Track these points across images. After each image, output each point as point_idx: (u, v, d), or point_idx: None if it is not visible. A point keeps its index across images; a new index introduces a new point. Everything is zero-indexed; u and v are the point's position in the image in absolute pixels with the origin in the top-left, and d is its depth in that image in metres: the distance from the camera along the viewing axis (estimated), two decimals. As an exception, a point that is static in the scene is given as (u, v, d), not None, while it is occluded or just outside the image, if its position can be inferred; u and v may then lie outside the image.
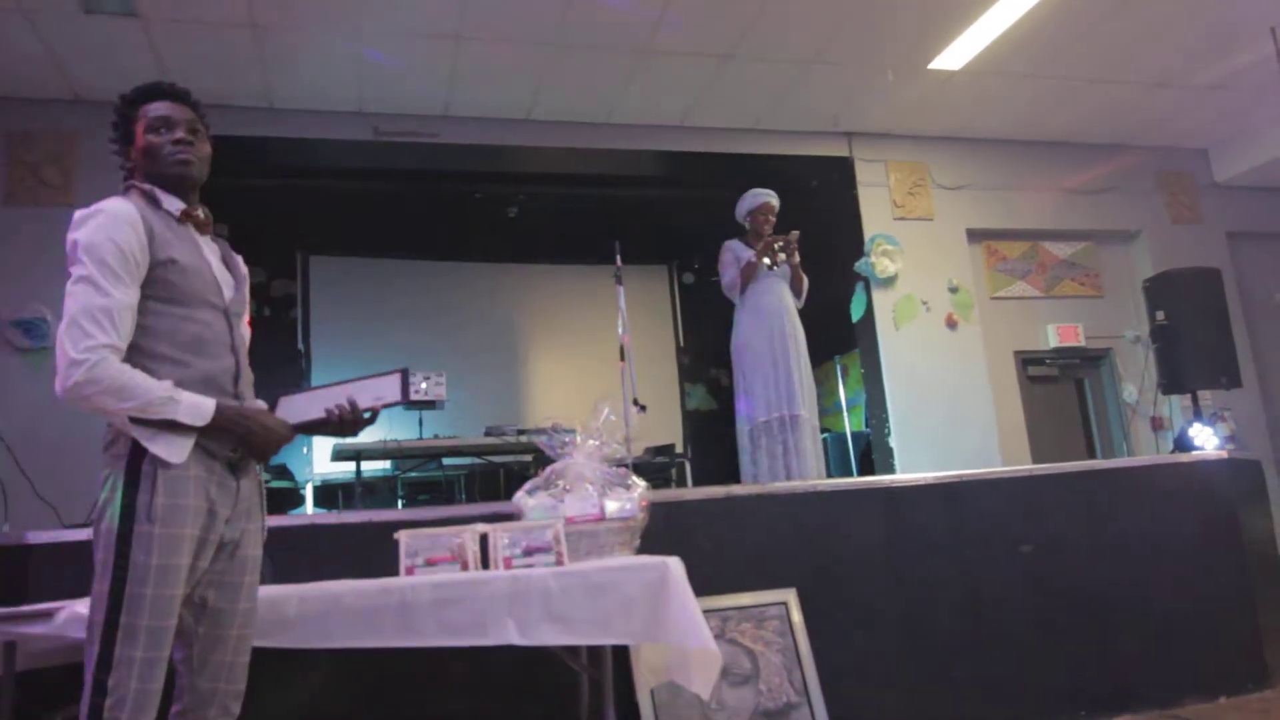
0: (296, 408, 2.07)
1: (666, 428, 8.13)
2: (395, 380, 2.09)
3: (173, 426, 1.83)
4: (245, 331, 2.12)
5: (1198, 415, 5.00)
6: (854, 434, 7.53)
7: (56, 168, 5.35)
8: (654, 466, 6.56)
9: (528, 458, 6.22)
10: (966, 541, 3.61)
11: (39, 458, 4.62)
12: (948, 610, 3.52)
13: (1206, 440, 4.70)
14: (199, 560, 1.87)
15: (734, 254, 4.93)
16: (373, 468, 6.53)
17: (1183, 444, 4.86)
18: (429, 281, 8.04)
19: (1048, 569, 3.65)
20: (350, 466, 5.87)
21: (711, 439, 8.13)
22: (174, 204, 2.03)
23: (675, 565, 2.48)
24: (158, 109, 2.03)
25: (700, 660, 2.43)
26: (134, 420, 1.81)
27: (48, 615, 2.10)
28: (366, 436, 5.45)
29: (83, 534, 2.30)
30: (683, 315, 8.85)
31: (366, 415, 2.06)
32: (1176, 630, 3.70)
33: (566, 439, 2.96)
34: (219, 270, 2.06)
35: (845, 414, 7.69)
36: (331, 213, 7.33)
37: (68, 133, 5.41)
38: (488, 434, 6.07)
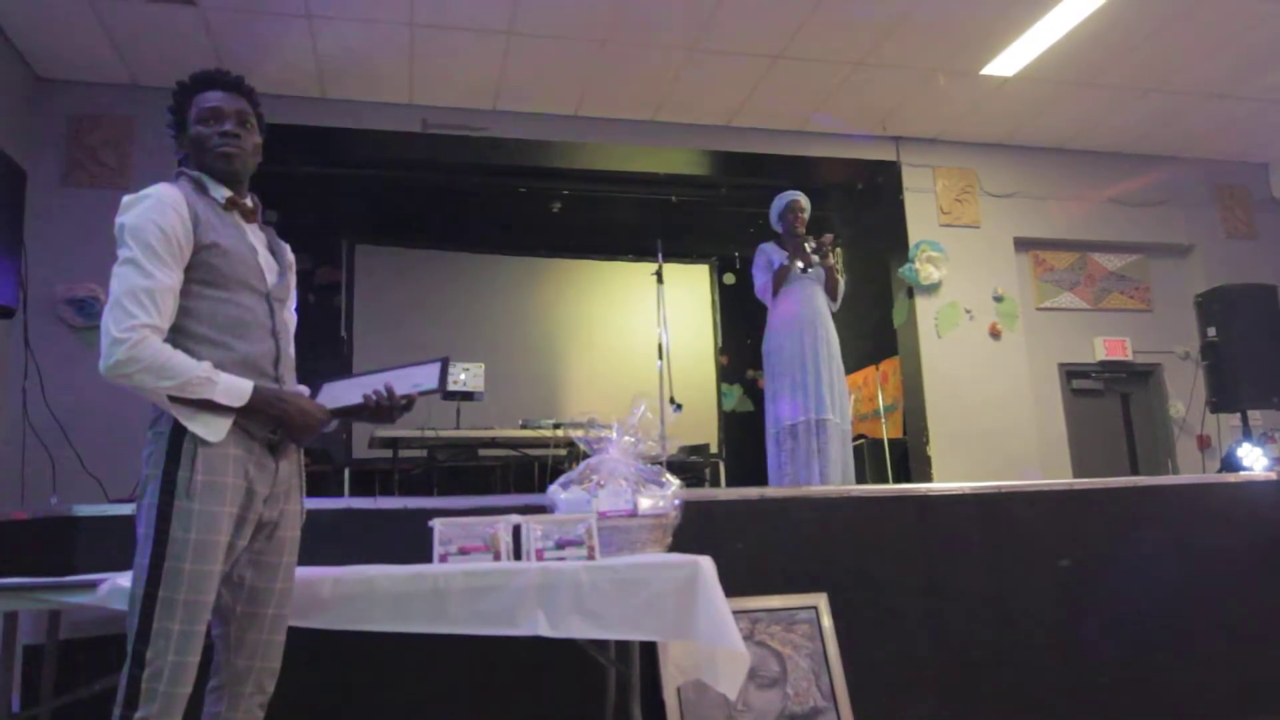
0: (336, 393, 2.10)
1: (702, 428, 8.11)
2: (434, 369, 2.11)
3: (211, 406, 1.87)
4: (288, 317, 2.15)
5: (1247, 435, 4.88)
6: (891, 441, 7.45)
7: (114, 151, 5.47)
8: (688, 465, 6.55)
9: (563, 452, 6.24)
10: (1001, 554, 3.56)
11: (88, 433, 4.73)
12: (980, 622, 3.47)
13: (1255, 461, 4.59)
14: (237, 538, 1.91)
15: (767, 257, 4.92)
16: (410, 456, 6.58)
17: (1230, 464, 4.75)
18: (471, 273, 8.09)
19: (1085, 585, 3.59)
20: (387, 454, 5.94)
21: (747, 440, 8.08)
22: (220, 192, 2.07)
23: (706, 564, 2.48)
24: (209, 99, 2.07)
25: (728, 660, 2.43)
26: (173, 399, 1.85)
27: (91, 586, 2.15)
28: (404, 426, 5.53)
29: (127, 508, 2.36)
30: (723, 316, 8.82)
31: (403, 403, 2.08)
32: (1215, 652, 3.62)
33: (602, 434, 2.97)
34: (264, 257, 2.10)
35: (883, 421, 7.62)
36: (378, 203, 7.42)
37: (126, 117, 5.53)
38: (524, 427, 6.10)
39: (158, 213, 1.92)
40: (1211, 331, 5.09)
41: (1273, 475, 4.02)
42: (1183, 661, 3.59)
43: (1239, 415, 5.12)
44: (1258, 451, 4.61)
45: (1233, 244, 7.47)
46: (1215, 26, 5.60)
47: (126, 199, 1.97)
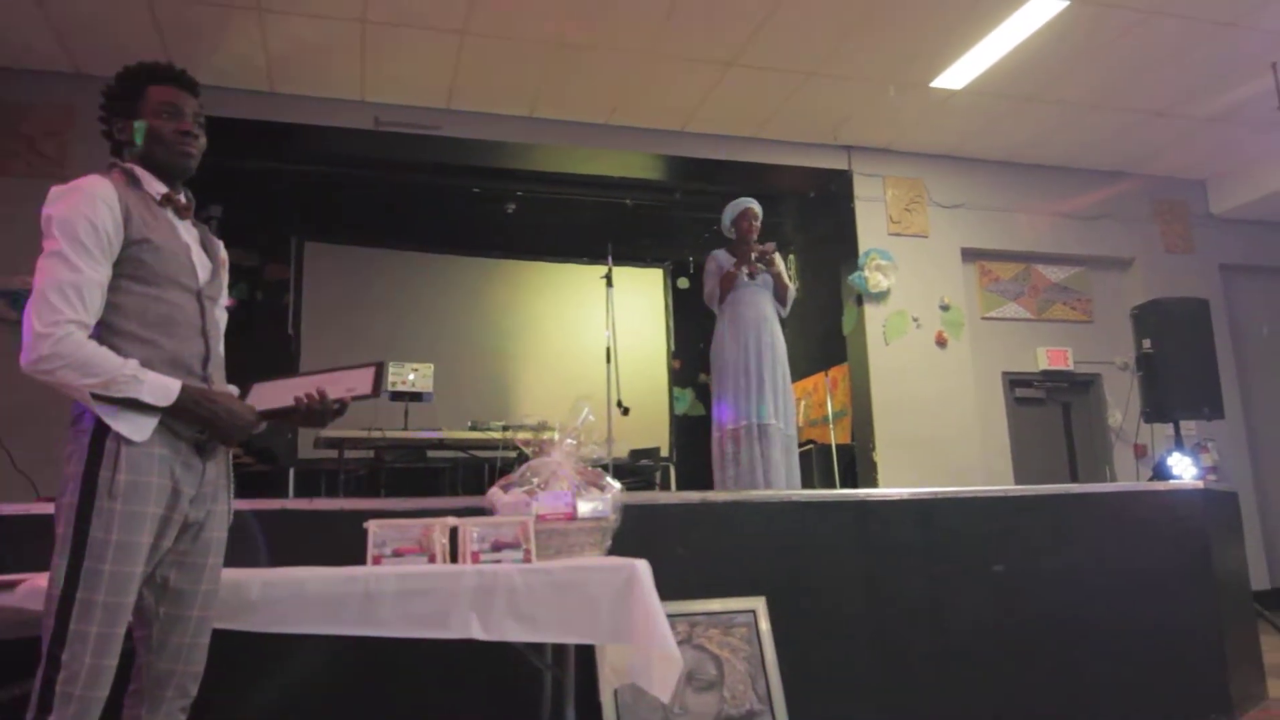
0: (266, 394, 2.08)
1: (654, 431, 8.13)
2: (368, 374, 2.10)
3: (136, 405, 1.83)
4: (219, 316, 2.12)
5: (1179, 444, 5.01)
6: (840, 447, 7.54)
7: (53, 141, 5.36)
8: (637, 469, 6.57)
9: (513, 454, 6.20)
10: (939, 558, 3.62)
11: (19, 429, 4.61)
12: (917, 626, 3.52)
13: (1185, 470, 4.72)
14: (162, 539, 1.88)
15: (717, 264, 4.95)
16: (356, 457, 6.52)
17: (1161, 473, 4.88)
18: (423, 273, 8.03)
19: (1018, 590, 3.66)
20: (333, 454, 5.87)
21: (698, 444, 8.12)
22: (156, 187, 2.03)
23: (642, 567, 2.48)
24: (168, 93, 2.04)
25: (662, 664, 2.44)
26: (97, 397, 1.81)
27: (9, 587, 2.10)
28: (350, 426, 5.47)
29: (51, 507, 2.31)
30: (676, 319, 8.86)
31: (336, 407, 2.06)
32: (1142, 657, 3.71)
33: (545, 437, 2.97)
34: (196, 254, 2.06)
35: (832, 426, 7.71)
36: (329, 200, 7.34)
37: (66, 106, 5.42)
38: (473, 429, 6.07)
39: (87, 205, 1.88)
40: (1147, 343, 5.22)
41: (1199, 484, 4.13)
42: (1113, 665, 3.68)
43: (1172, 425, 5.26)
44: (1187, 460, 4.74)
45: (1171, 258, 7.68)
46: (1158, 48, 5.76)
47: (55, 190, 1.93)
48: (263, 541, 2.82)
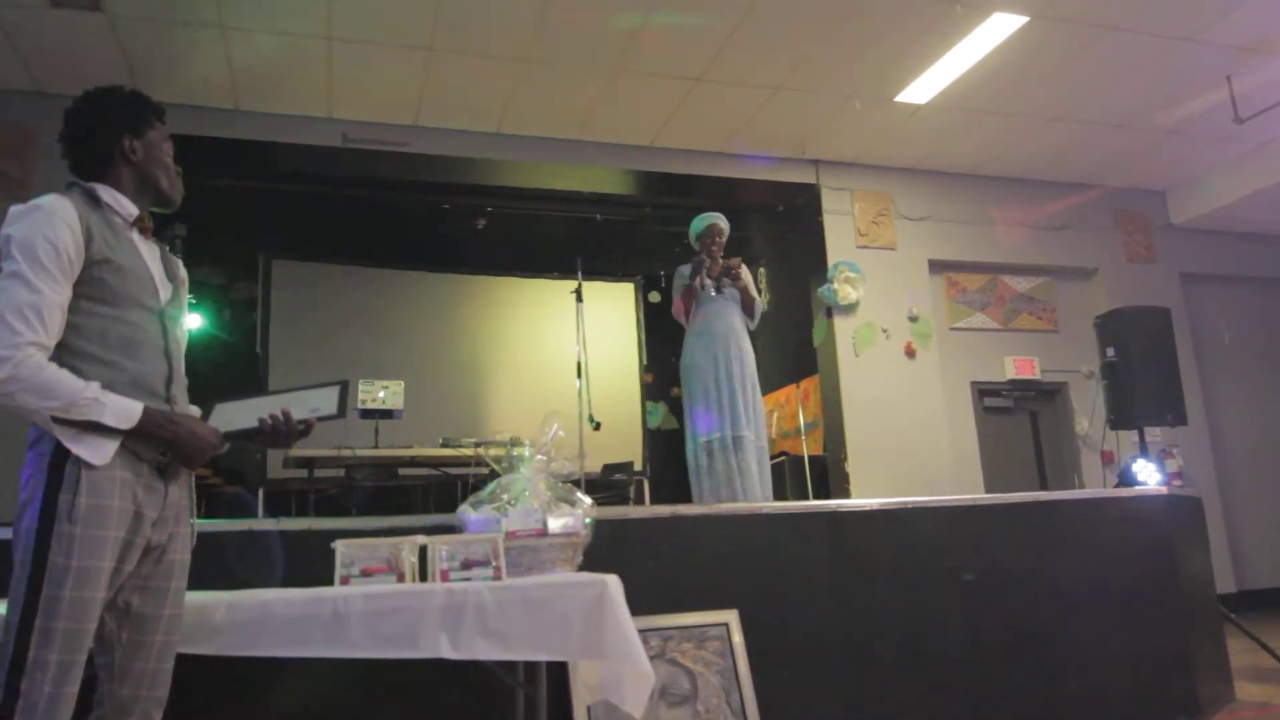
0: (229, 415, 2.05)
1: (627, 445, 8.12)
2: (333, 393, 2.08)
3: (97, 428, 1.81)
4: (181, 335, 2.10)
5: (1143, 451, 5.08)
6: (812, 458, 7.57)
7: (16, 160, 5.29)
8: (611, 483, 6.56)
9: (485, 471, 6.15)
10: (910, 568, 3.64)
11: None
12: (889, 636, 3.53)
13: (1149, 476, 4.78)
14: (124, 563, 1.85)
15: (683, 278, 4.97)
16: (327, 476, 6.46)
17: (1126, 479, 4.94)
18: (393, 290, 7.99)
19: (988, 598, 3.68)
20: (303, 474, 5.81)
21: (672, 457, 8.12)
22: (129, 208, 2.03)
23: (613, 583, 2.48)
24: (166, 135, 2.13)
25: (634, 680, 2.43)
26: (57, 420, 1.78)
27: (-33, 615, 2.05)
28: (320, 444, 5.40)
29: (8, 532, 2.27)
30: (647, 333, 8.87)
31: (300, 428, 2.04)
32: (1111, 662, 3.74)
33: (514, 453, 2.96)
34: (157, 273, 2.05)
35: (804, 438, 7.74)
36: (296, 217, 7.29)
37: (29, 126, 5.35)
38: (445, 446, 6.03)
39: (47, 225, 1.86)
40: (1110, 352, 5.27)
41: (1164, 490, 4.19)
42: (1083, 670, 3.71)
43: (1137, 431, 5.32)
44: (1151, 467, 4.80)
45: (1134, 267, 7.80)
46: (1117, 62, 5.87)
47: (14, 210, 1.91)
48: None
